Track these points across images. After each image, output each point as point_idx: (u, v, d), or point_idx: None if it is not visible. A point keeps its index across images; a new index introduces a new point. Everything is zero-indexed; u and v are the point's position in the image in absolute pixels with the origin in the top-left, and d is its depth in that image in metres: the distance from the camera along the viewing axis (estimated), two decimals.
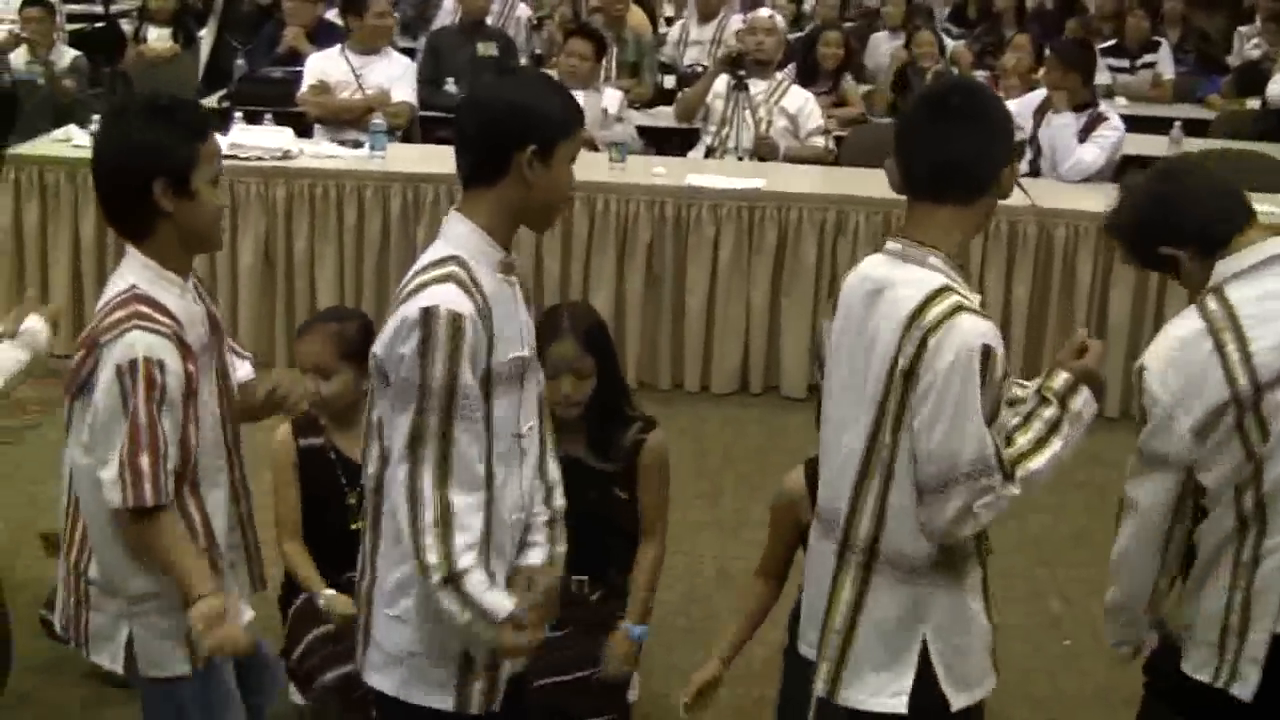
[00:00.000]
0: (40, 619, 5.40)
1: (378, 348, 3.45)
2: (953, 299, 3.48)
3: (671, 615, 5.77)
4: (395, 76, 9.78)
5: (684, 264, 8.48)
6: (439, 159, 8.86)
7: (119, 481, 3.57)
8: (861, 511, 3.59)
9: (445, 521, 3.37)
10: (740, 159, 9.48)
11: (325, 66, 9.70)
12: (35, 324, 4.13)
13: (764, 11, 10.23)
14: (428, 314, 3.34)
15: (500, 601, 3.44)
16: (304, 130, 9.50)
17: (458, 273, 3.41)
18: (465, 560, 3.38)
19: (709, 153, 9.65)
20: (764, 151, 9.49)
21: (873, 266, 3.68)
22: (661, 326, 8.48)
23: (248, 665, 4.08)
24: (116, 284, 3.70)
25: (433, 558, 3.37)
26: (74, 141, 8.95)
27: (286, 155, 8.61)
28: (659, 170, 8.79)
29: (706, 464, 7.65)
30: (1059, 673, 4.99)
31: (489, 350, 3.42)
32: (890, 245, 3.66)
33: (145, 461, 3.55)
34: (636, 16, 12.20)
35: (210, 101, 10.35)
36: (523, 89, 3.60)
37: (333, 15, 11.49)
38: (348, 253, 8.58)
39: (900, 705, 3.66)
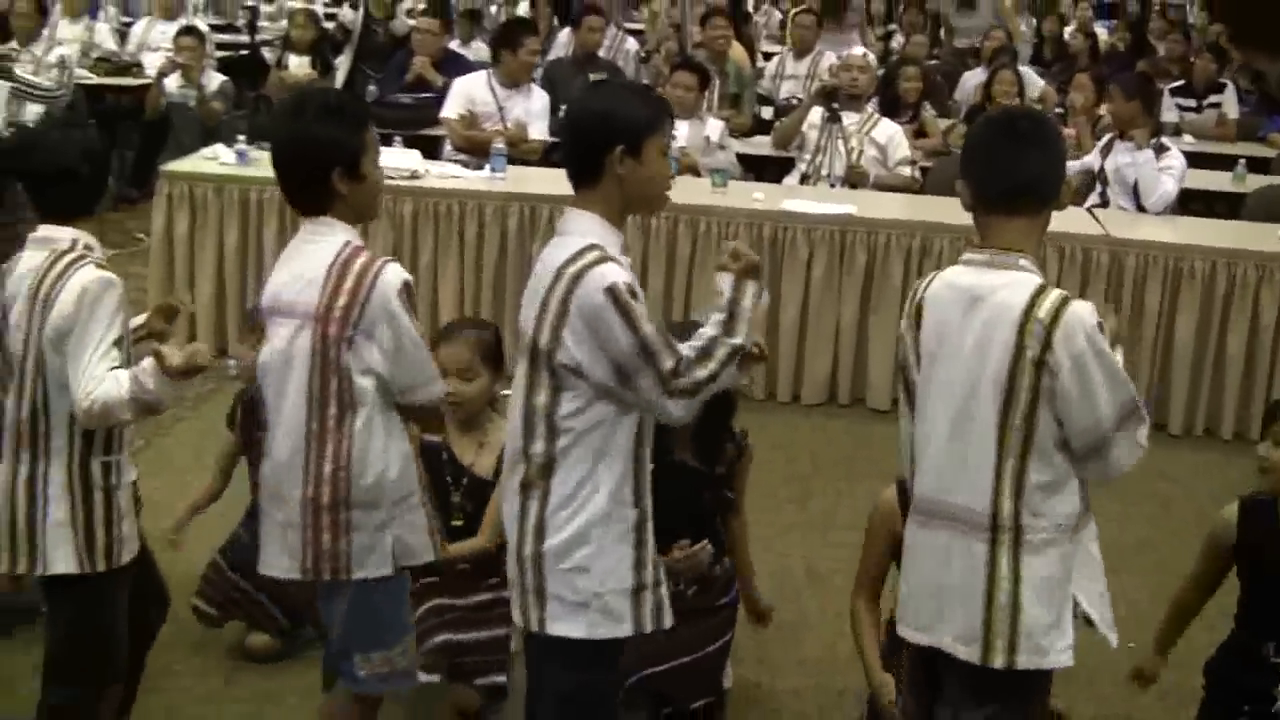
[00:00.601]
0: (192, 608, 5.52)
1: (580, 331, 3.71)
2: (1056, 291, 3.69)
3: None
4: (534, 112, 9.91)
5: (779, 282, 8.49)
6: (554, 181, 8.89)
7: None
8: (1002, 493, 3.69)
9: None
10: (832, 186, 9.50)
11: (472, 92, 9.85)
12: (147, 367, 4.12)
13: (857, 50, 10.27)
14: (612, 291, 3.66)
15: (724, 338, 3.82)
16: (430, 152, 9.60)
17: (605, 253, 3.74)
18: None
19: (804, 179, 9.68)
20: (855, 179, 9.52)
21: (958, 276, 3.81)
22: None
23: None
24: (326, 246, 3.96)
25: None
26: (221, 159, 9.08)
27: (414, 175, 8.69)
28: (758, 195, 8.83)
29: (796, 469, 7.68)
30: (1123, 673, 5.01)
31: None
32: (972, 256, 3.80)
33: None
34: (737, 51, 12.24)
35: None
36: (606, 97, 4.06)
37: (455, 45, 11.64)
38: (468, 266, 8.63)
39: (1070, 658, 3.79)
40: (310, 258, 3.97)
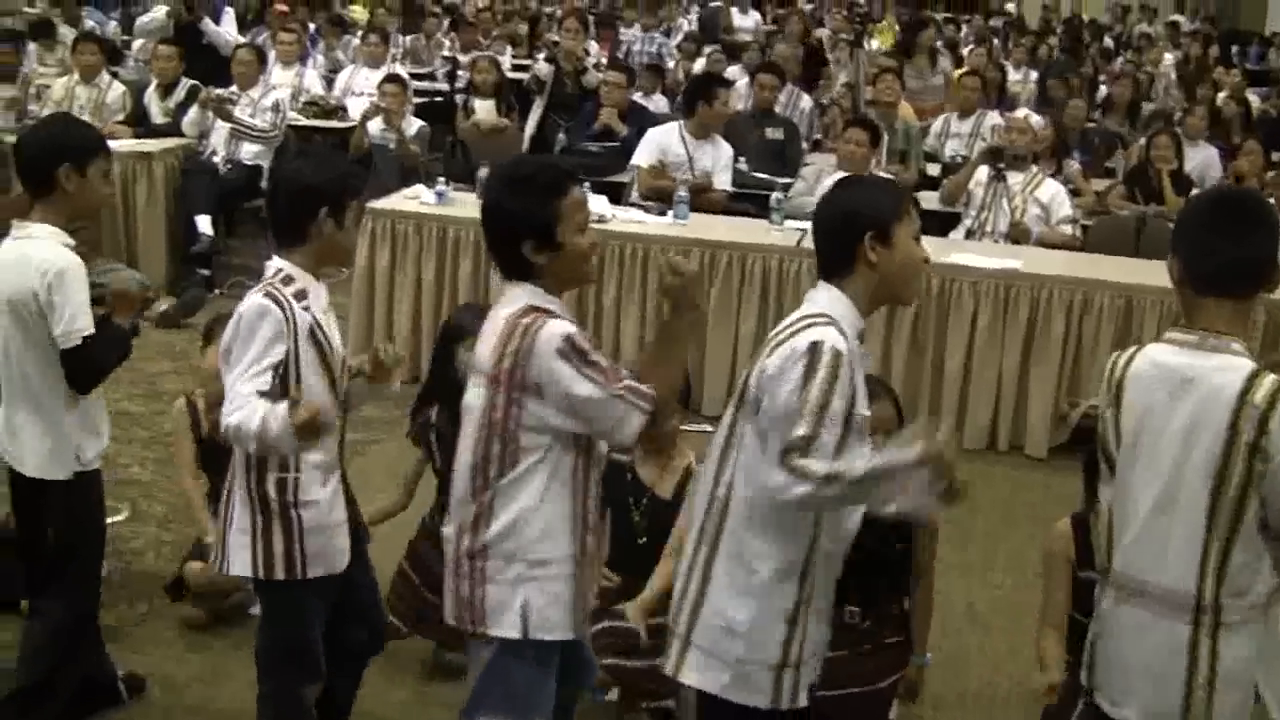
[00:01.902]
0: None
1: (759, 374, 3.64)
2: (1271, 377, 3.50)
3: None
4: (720, 164, 9.98)
5: (945, 332, 8.45)
6: (733, 228, 8.99)
7: (627, 407, 3.78)
8: (1206, 574, 3.55)
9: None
10: (996, 241, 9.42)
11: (664, 142, 9.93)
12: (279, 412, 4.05)
13: (1021, 112, 10.20)
14: (815, 346, 3.56)
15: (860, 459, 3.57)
16: (615, 197, 9.68)
17: (835, 324, 3.64)
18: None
19: (969, 234, 9.62)
20: (1018, 235, 9.44)
21: (1165, 356, 3.63)
22: (922, 388, 8.46)
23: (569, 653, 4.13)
24: (507, 308, 3.86)
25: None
26: (421, 199, 9.22)
27: (601, 219, 8.72)
28: (926, 249, 8.75)
29: (955, 512, 7.49)
30: None
31: (853, 398, 3.61)
32: (1180, 336, 3.64)
33: (624, 383, 3.78)
34: (905, 109, 12.23)
35: None
36: (852, 193, 3.92)
37: (638, 96, 11.71)
38: (649, 307, 8.66)
39: None
40: (495, 319, 3.92)
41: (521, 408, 3.80)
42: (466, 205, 9.12)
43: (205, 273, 10.96)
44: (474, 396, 3.92)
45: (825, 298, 3.73)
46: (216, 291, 10.85)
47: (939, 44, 16.42)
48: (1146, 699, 3.68)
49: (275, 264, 4.31)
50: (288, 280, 4.26)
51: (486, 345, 3.89)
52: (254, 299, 4.20)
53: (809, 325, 3.63)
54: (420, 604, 5.51)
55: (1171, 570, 3.60)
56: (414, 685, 5.60)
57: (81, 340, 4.56)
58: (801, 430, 3.50)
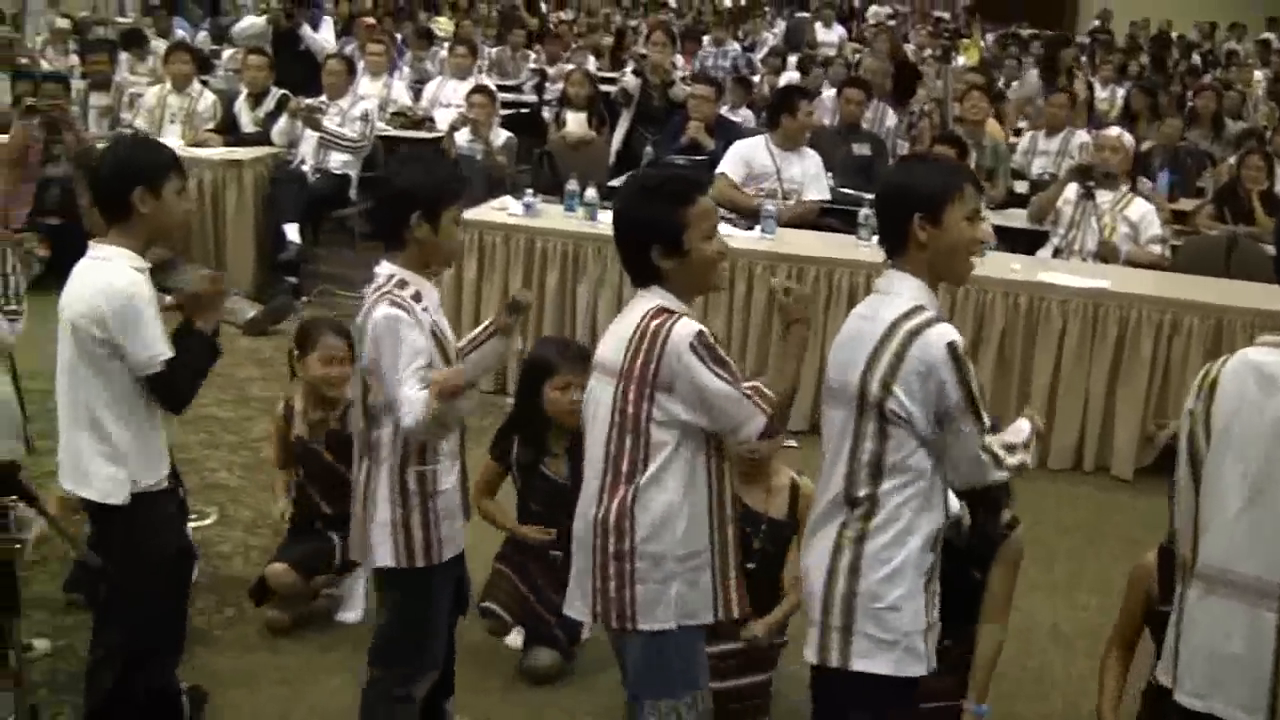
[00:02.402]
0: (480, 609, 5.65)
1: (881, 386, 3.82)
2: None
3: (1010, 668, 5.69)
4: (810, 175, 9.93)
5: (1032, 351, 8.39)
6: (822, 242, 8.99)
7: (748, 414, 3.95)
8: None
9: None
10: (1084, 260, 9.34)
11: (750, 154, 9.89)
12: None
13: (1113, 130, 10.06)
14: (953, 347, 3.78)
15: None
16: None
17: (936, 314, 3.86)
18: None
19: (1057, 253, 9.52)
20: (1106, 254, 9.33)
21: (1261, 356, 3.72)
22: (1008, 406, 8.38)
23: None
24: (636, 311, 4.03)
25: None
26: (509, 210, 9.26)
27: None
28: (1015, 266, 8.71)
29: (1040, 532, 7.52)
30: None
31: None
32: (1273, 339, 3.75)
33: (736, 407, 3.94)
34: (993, 126, 12.15)
35: (615, 183, 10.56)
36: (905, 171, 4.30)
37: (724, 110, 11.70)
38: (735, 323, 8.66)
39: None
40: (623, 321, 4.08)
41: (652, 403, 3.95)
42: (554, 217, 9.16)
43: (292, 280, 11.08)
44: (600, 393, 4.08)
45: (908, 287, 3.91)
46: (303, 299, 10.95)
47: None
48: (1233, 690, 3.71)
49: (386, 269, 4.42)
50: (402, 284, 4.38)
51: (612, 345, 4.06)
52: (384, 310, 4.32)
53: (922, 326, 3.81)
54: (522, 600, 5.71)
55: (1261, 559, 3.66)
56: (501, 688, 5.65)
57: (163, 365, 4.54)
58: (984, 420, 3.82)
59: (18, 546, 3.67)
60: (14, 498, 3.49)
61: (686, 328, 3.92)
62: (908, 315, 3.84)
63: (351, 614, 6.08)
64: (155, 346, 4.53)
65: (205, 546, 6.48)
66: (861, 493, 3.90)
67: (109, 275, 4.53)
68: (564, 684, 5.69)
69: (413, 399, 4.24)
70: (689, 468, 4.01)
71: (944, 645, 4.75)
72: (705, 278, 4.11)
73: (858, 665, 3.93)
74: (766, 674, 5.15)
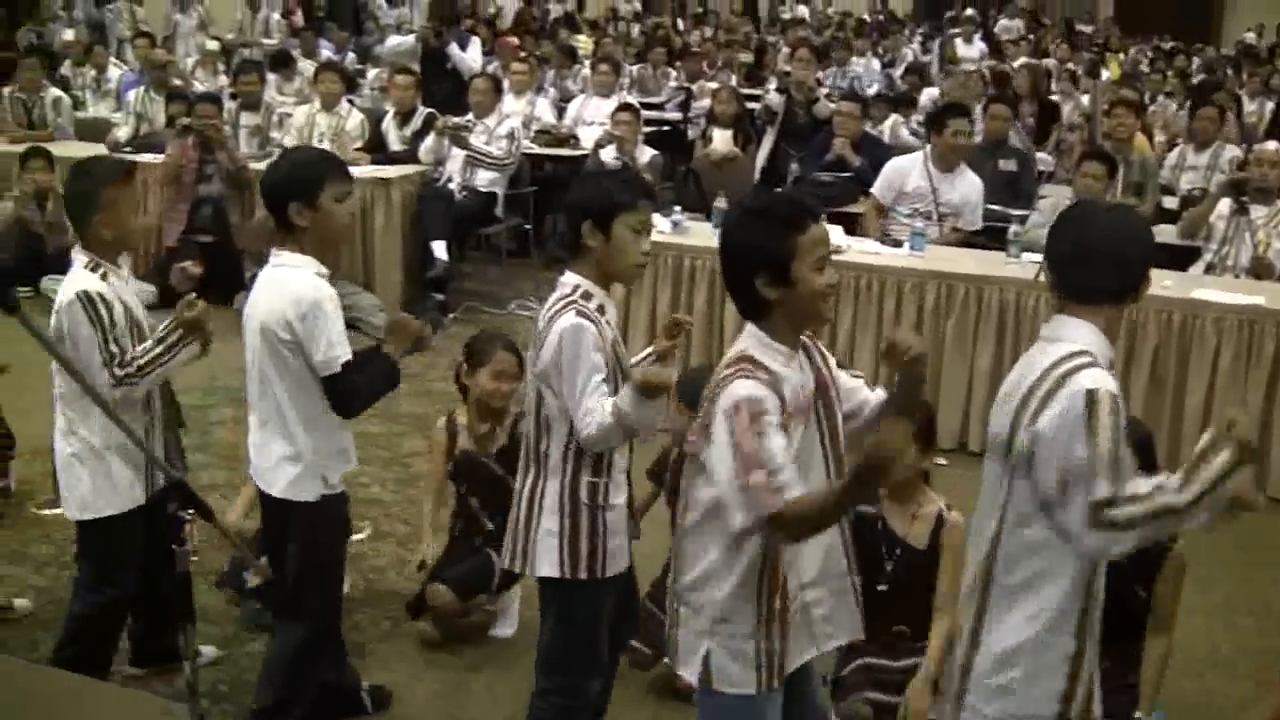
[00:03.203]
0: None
1: (1031, 432, 3.58)
2: None
3: (1170, 691, 5.57)
4: (969, 198, 9.72)
5: (1185, 369, 8.24)
6: (971, 260, 8.88)
7: (741, 501, 3.61)
8: None
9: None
10: (1238, 276, 9.19)
11: (904, 173, 9.76)
12: (625, 394, 4.33)
13: (1270, 145, 9.90)
14: (1092, 395, 3.50)
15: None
16: (850, 228, 9.61)
17: (1095, 361, 3.59)
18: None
19: (1209, 269, 9.39)
20: (1260, 271, 9.18)
21: None
22: (1161, 424, 8.27)
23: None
24: (732, 352, 3.81)
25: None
26: (657, 228, 9.24)
27: (836, 250, 8.68)
28: (1167, 283, 8.57)
29: (1197, 554, 7.36)
30: None
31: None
32: None
33: (754, 479, 3.58)
34: (1141, 141, 11.99)
35: None
36: (1118, 228, 3.81)
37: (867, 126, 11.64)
38: (883, 342, 8.50)
39: None
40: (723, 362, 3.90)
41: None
42: (702, 234, 9.16)
43: (440, 297, 11.19)
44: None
45: (1078, 332, 3.67)
46: (450, 316, 11.05)
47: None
48: None
49: (571, 279, 4.45)
50: (588, 296, 4.41)
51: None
52: (570, 319, 4.33)
53: (1074, 370, 3.58)
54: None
55: None
56: (652, 708, 5.64)
57: (341, 367, 4.69)
58: (1103, 490, 3.47)
59: (195, 558, 3.73)
60: (190, 511, 3.54)
61: (739, 390, 3.62)
62: (1063, 360, 3.61)
63: (505, 630, 6.13)
64: (337, 349, 4.68)
65: (359, 560, 6.57)
66: (991, 547, 3.72)
67: (294, 281, 4.69)
68: None
69: (594, 409, 4.28)
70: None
71: (1103, 668, 4.73)
72: (811, 310, 3.77)
73: None
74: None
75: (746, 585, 3.80)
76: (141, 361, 5.02)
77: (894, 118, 14.06)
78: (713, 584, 3.82)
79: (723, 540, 3.78)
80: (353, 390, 4.77)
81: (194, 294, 5.13)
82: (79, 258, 5.08)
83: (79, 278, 5.01)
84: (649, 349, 4.87)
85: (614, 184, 4.59)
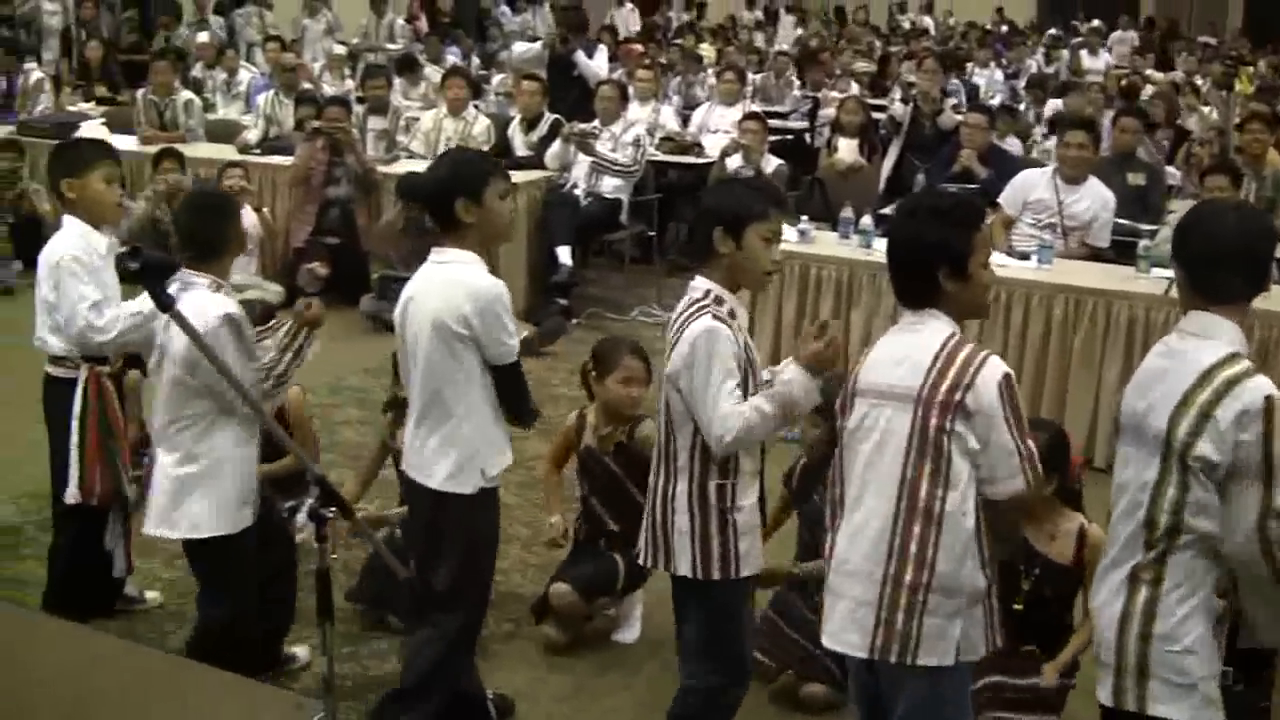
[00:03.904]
0: None
1: (1212, 441, 3.73)
2: None
3: None
4: (1098, 212, 9.57)
5: None
6: (1099, 274, 8.77)
7: (1014, 467, 3.88)
8: None
9: None
10: None
11: (1027, 186, 9.67)
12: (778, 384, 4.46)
13: None
14: (1270, 401, 3.68)
15: None
16: None
17: (1253, 367, 3.79)
18: None
19: None
20: None
21: None
22: None
23: None
24: (921, 334, 3.99)
25: None
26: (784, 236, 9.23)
27: None
28: None
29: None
30: None
31: None
32: None
33: (1027, 450, 3.90)
34: (1273, 156, 11.79)
35: (886, 211, 10.49)
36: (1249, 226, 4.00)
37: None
38: (1010, 354, 8.41)
39: None
40: (911, 345, 3.99)
41: (952, 433, 3.87)
42: (828, 244, 9.14)
43: (564, 302, 11.23)
44: (886, 419, 3.99)
45: (1226, 331, 3.84)
46: (574, 321, 11.09)
47: None
48: None
49: (702, 284, 4.49)
50: (719, 301, 4.45)
51: (901, 370, 3.97)
52: (705, 323, 4.39)
53: (1241, 375, 3.74)
54: (791, 645, 5.64)
55: None
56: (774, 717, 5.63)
57: (516, 358, 4.83)
58: (1275, 494, 3.69)
59: (334, 557, 3.78)
60: (332, 510, 3.58)
61: (999, 367, 3.89)
62: (1225, 362, 3.78)
63: (629, 635, 6.14)
64: (514, 341, 4.80)
65: None
66: (1159, 536, 3.85)
67: (469, 277, 4.78)
68: (835, 715, 5.59)
69: (729, 413, 4.32)
70: (976, 499, 3.93)
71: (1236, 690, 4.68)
72: (978, 302, 4.09)
73: (1156, 710, 3.88)
74: (1054, 715, 5.06)
75: (987, 551, 3.99)
76: (279, 371, 5.24)
77: None
78: (970, 562, 3.93)
79: (974, 510, 3.93)
80: (522, 382, 4.92)
81: (319, 294, 5.24)
82: (199, 280, 5.14)
83: (213, 301, 5.09)
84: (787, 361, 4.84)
85: (748, 192, 4.62)
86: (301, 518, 6.45)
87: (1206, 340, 3.84)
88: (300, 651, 5.79)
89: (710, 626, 4.65)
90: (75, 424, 5.67)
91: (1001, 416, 3.84)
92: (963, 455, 3.88)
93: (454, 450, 4.84)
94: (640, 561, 4.78)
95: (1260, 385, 3.71)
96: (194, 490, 5.16)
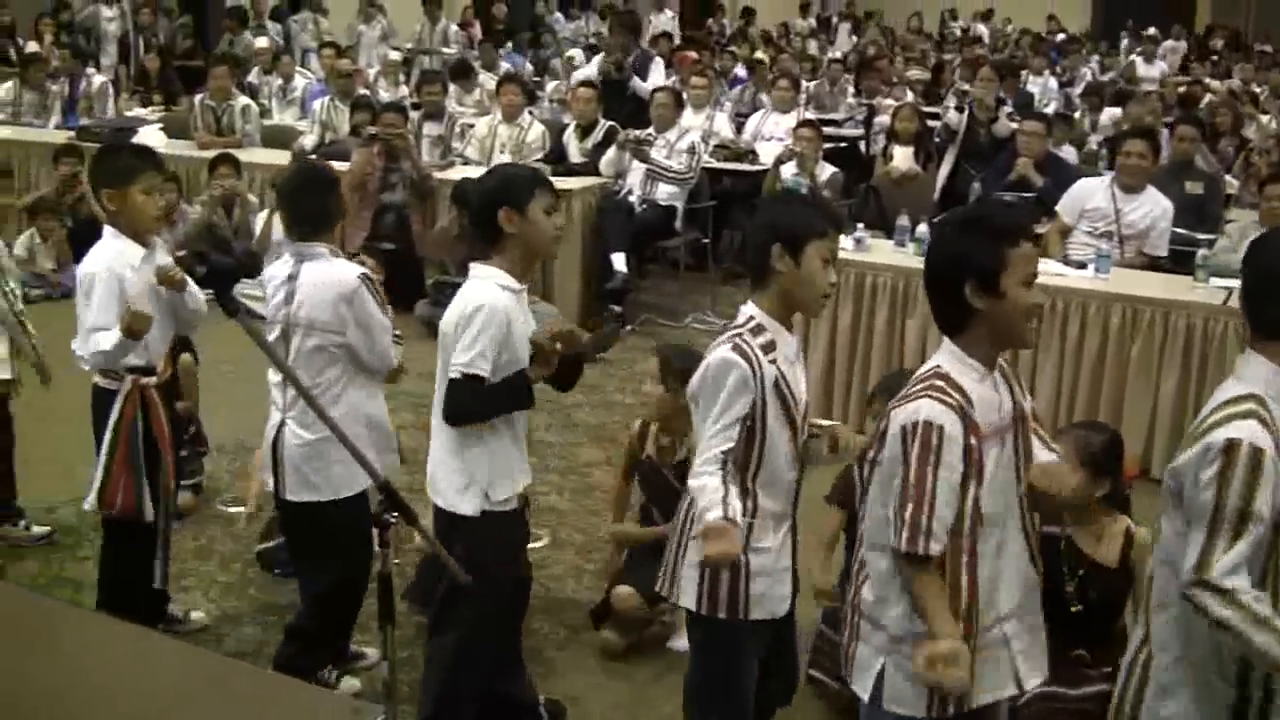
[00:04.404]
0: (807, 677, 5.54)
1: (1182, 472, 3.48)
2: None
3: None
4: (1156, 221, 9.50)
5: None
6: (1157, 284, 8.71)
7: (896, 525, 3.62)
8: None
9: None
10: None
11: (1085, 195, 9.62)
12: None
13: None
14: (1230, 445, 3.36)
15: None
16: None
17: (1258, 410, 3.42)
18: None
19: None
20: None
21: None
22: None
23: None
24: (927, 366, 3.77)
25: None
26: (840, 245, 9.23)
27: None
28: None
29: None
30: None
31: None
32: None
33: (909, 513, 3.58)
34: None
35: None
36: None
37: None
38: (1067, 364, 8.42)
39: None
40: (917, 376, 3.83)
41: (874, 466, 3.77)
42: (883, 252, 9.11)
43: (618, 309, 11.25)
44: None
45: (1256, 371, 3.52)
46: (628, 328, 11.09)
47: None
48: None
49: (747, 310, 4.28)
50: (757, 330, 4.23)
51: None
52: (721, 352, 4.20)
53: (1230, 417, 3.44)
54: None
55: None
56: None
57: (461, 375, 4.65)
58: (1219, 549, 3.37)
59: (396, 562, 3.78)
60: (394, 514, 3.57)
61: (923, 410, 3.60)
62: (1231, 401, 3.49)
63: (683, 643, 6.09)
64: (465, 356, 4.65)
65: (537, 569, 6.58)
66: (1160, 584, 3.65)
67: (471, 289, 4.76)
68: None
69: (708, 463, 4.14)
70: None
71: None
72: (1015, 327, 3.71)
73: None
74: None
75: (901, 603, 3.75)
76: (396, 331, 5.54)
77: None
78: (893, 600, 3.75)
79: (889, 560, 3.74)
80: (466, 402, 4.72)
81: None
82: (320, 249, 5.35)
83: (344, 267, 5.35)
84: (830, 423, 4.77)
85: (807, 209, 4.40)
86: None
87: (1233, 379, 3.58)
88: (371, 651, 5.79)
89: (706, 668, 4.53)
90: (109, 434, 5.65)
91: (896, 460, 3.64)
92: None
93: (459, 469, 4.79)
94: (656, 588, 4.64)
95: (1239, 428, 3.39)
96: (333, 453, 5.21)
